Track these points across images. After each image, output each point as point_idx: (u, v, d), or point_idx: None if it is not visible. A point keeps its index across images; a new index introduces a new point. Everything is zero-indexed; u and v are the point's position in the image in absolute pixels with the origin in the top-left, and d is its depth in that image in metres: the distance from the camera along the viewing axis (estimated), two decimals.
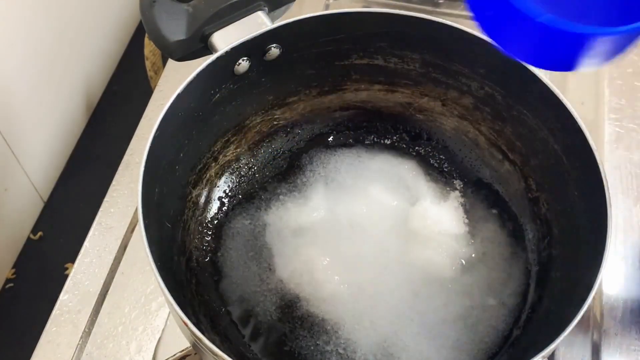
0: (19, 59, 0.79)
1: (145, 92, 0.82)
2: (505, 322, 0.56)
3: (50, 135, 0.88)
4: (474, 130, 0.63)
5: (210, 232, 0.60)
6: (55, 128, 0.89)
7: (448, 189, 0.62)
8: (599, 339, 0.62)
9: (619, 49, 0.36)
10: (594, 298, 0.63)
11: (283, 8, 0.60)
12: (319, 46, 0.59)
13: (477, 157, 0.64)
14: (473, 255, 0.58)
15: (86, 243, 0.67)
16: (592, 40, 0.35)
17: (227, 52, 0.55)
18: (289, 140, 0.65)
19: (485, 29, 0.38)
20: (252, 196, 0.62)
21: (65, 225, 0.85)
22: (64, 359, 0.61)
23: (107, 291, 0.65)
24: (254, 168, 0.63)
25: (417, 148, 0.65)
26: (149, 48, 0.84)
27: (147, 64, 0.85)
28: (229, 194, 0.62)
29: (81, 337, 0.62)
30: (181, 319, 0.44)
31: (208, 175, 0.61)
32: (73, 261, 0.67)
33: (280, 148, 0.64)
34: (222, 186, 0.62)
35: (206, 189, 0.61)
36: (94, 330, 0.62)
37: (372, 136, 0.65)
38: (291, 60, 0.59)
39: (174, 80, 0.76)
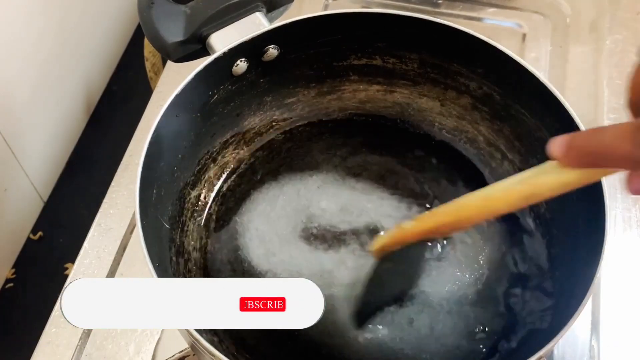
0: (19, 59, 0.79)
1: (145, 93, 0.82)
2: (504, 321, 0.56)
3: (50, 135, 0.88)
4: (472, 130, 0.63)
5: (208, 233, 0.60)
6: (55, 128, 0.89)
7: (447, 189, 0.62)
8: (597, 339, 0.62)
9: None
10: (592, 297, 0.63)
11: (281, 9, 0.60)
12: (317, 47, 0.60)
13: (476, 157, 0.64)
14: (472, 255, 0.58)
15: (85, 244, 0.67)
16: None
17: (225, 53, 0.55)
18: (287, 141, 0.65)
19: None
20: (251, 197, 0.62)
21: (65, 226, 0.85)
22: None
23: None
24: (252, 169, 0.63)
25: (415, 148, 0.64)
26: (149, 49, 0.84)
27: (147, 64, 0.85)
28: (228, 195, 0.62)
29: (80, 338, 0.62)
30: None
31: (207, 176, 0.61)
32: (73, 261, 0.67)
33: (279, 149, 0.64)
34: (221, 187, 0.62)
35: (205, 190, 0.61)
36: (93, 331, 0.62)
37: (371, 137, 0.65)
38: (289, 61, 0.59)
39: (174, 81, 0.76)
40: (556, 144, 0.36)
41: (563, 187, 0.39)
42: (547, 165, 0.39)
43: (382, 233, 0.57)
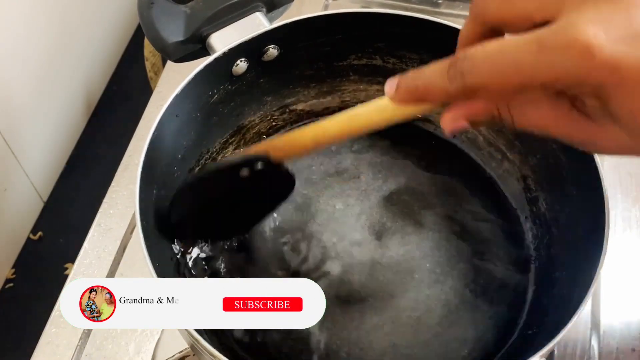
0: (19, 59, 0.79)
1: (145, 93, 0.82)
2: (504, 321, 0.56)
3: (50, 135, 0.88)
4: (472, 130, 0.63)
5: None
6: (55, 128, 0.89)
7: (446, 189, 0.62)
8: (597, 339, 0.62)
9: None
10: (592, 297, 0.63)
11: (281, 9, 0.60)
12: (317, 47, 0.60)
13: (476, 157, 0.64)
14: (472, 255, 0.58)
15: (85, 244, 0.67)
16: None
17: (225, 53, 0.55)
18: None
19: None
20: None
21: (65, 226, 0.85)
22: None
23: None
24: None
25: (415, 148, 0.64)
26: (149, 49, 0.84)
27: (147, 64, 0.85)
28: None
29: (80, 338, 0.62)
30: None
31: None
32: (73, 261, 0.67)
33: None
34: None
35: None
36: (93, 331, 0.62)
37: (371, 136, 0.65)
38: (289, 60, 0.59)
39: (174, 81, 0.76)
40: (388, 84, 0.39)
41: (391, 121, 0.41)
42: (383, 101, 0.41)
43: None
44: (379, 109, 0.41)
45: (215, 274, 0.57)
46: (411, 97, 0.38)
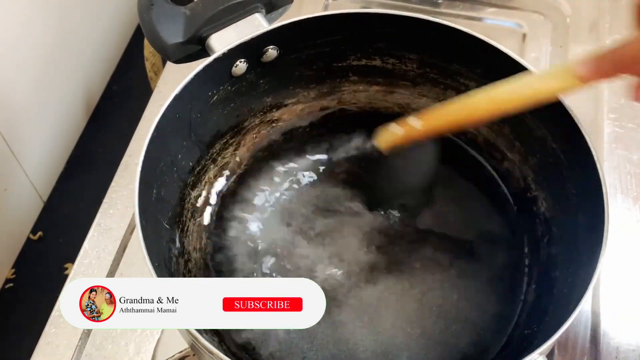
0: (19, 59, 0.80)
1: (145, 93, 0.82)
2: (504, 320, 0.56)
3: (50, 135, 0.88)
4: (472, 130, 0.63)
5: (208, 233, 0.60)
6: (55, 128, 0.89)
7: (446, 188, 0.62)
8: (597, 338, 0.62)
9: None
10: (592, 297, 0.63)
11: (280, 10, 0.60)
12: (317, 47, 0.59)
13: (476, 156, 0.64)
14: (472, 254, 0.59)
15: (85, 244, 0.67)
16: None
17: (224, 54, 0.55)
18: (287, 141, 0.65)
19: None
20: (251, 198, 0.62)
21: (65, 226, 0.85)
22: None
23: None
24: (252, 169, 0.63)
25: (415, 147, 0.64)
26: (149, 49, 0.84)
27: (147, 65, 0.86)
28: (228, 195, 0.62)
29: (80, 338, 0.62)
30: None
31: (207, 177, 0.61)
32: (73, 261, 0.67)
33: (279, 149, 0.64)
34: (221, 188, 0.62)
35: (205, 191, 0.61)
36: (92, 331, 0.62)
37: (371, 137, 0.65)
38: (289, 61, 0.59)
39: (174, 81, 0.76)
40: (583, 68, 0.42)
41: (564, 92, 0.44)
42: (556, 71, 0.43)
43: (390, 127, 0.56)
44: (551, 78, 0.42)
45: None
46: (608, 74, 0.41)
